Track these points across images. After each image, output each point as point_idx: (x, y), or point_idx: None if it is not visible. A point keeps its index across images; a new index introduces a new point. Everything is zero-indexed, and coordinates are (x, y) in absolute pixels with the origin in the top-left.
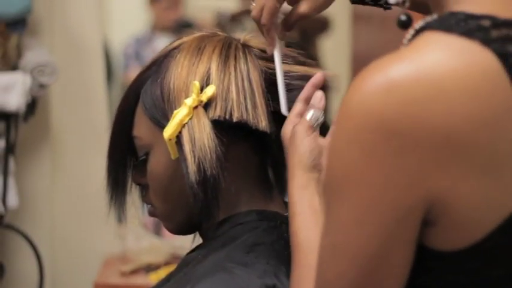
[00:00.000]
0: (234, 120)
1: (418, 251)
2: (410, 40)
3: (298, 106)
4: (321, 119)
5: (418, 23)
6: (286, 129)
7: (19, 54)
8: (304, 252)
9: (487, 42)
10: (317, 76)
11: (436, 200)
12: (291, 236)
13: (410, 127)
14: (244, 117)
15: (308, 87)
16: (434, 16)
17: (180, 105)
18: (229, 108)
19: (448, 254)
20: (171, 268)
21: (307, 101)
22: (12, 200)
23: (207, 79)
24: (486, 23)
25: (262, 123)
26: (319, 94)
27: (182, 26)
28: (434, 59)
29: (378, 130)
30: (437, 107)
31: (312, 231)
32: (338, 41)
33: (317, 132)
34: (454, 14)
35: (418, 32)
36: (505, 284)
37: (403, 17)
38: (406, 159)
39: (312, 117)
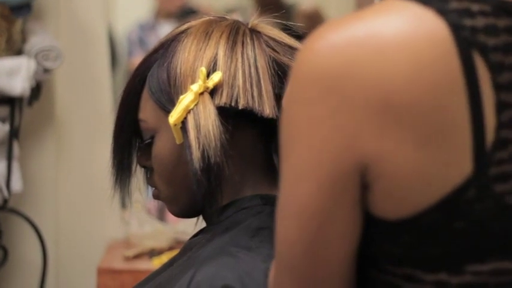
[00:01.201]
0: (240, 107)
1: (366, 219)
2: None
3: None
4: None
5: None
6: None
7: (24, 38)
8: None
9: (443, 12)
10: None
11: (370, 164)
12: None
13: (348, 86)
14: (250, 104)
15: None
16: None
17: (186, 91)
18: (235, 95)
19: (384, 222)
20: (175, 253)
21: None
22: (16, 184)
23: (213, 65)
24: None
25: (268, 110)
26: None
27: (186, 13)
28: (384, 23)
29: (317, 87)
30: (377, 70)
31: None
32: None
33: None
34: None
35: None
36: (440, 263)
37: None
38: (343, 119)
39: None
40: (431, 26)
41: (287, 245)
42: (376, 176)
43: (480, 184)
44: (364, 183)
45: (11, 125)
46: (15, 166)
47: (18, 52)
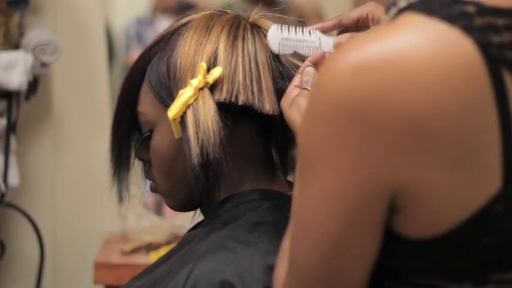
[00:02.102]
0: (240, 103)
1: (386, 233)
2: (392, 18)
3: (297, 78)
4: None
5: (401, 2)
6: (286, 101)
7: (21, 33)
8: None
9: (469, 30)
10: (316, 54)
11: (401, 188)
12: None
13: (376, 112)
14: (250, 100)
15: (307, 62)
16: None
17: (185, 85)
18: (235, 90)
19: (411, 241)
20: (172, 247)
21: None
22: (13, 178)
23: (214, 60)
24: (471, 9)
25: (267, 106)
26: (311, 69)
27: (184, 8)
28: (409, 43)
29: (344, 111)
30: (404, 94)
31: None
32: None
33: None
34: None
35: (400, 11)
36: (465, 274)
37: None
38: (371, 144)
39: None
40: (458, 45)
41: (304, 264)
42: (407, 201)
43: (508, 198)
44: (393, 206)
45: (8, 119)
46: (13, 160)
47: (16, 46)
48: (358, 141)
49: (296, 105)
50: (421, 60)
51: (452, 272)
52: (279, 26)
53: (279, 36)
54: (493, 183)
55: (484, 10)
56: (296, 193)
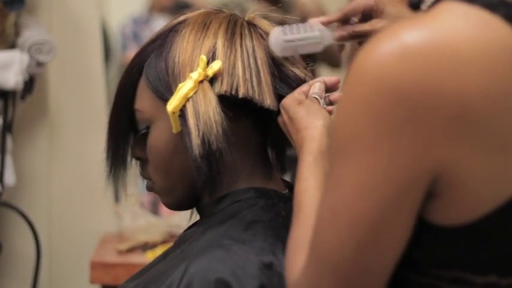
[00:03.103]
0: (240, 96)
1: (416, 224)
2: (429, 7)
3: (305, 86)
4: (324, 107)
5: None
6: (292, 100)
7: (17, 32)
8: (306, 214)
9: (509, 18)
10: (333, 79)
11: (442, 172)
12: (295, 196)
13: (423, 95)
14: (250, 93)
15: (319, 78)
16: None
17: (184, 79)
18: (235, 84)
19: (443, 229)
20: (168, 247)
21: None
22: (10, 178)
23: (212, 54)
24: None
25: (268, 100)
26: (319, 84)
27: (180, 7)
28: (453, 28)
29: (390, 95)
30: (452, 77)
31: (315, 194)
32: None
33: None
34: None
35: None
36: (491, 265)
37: None
38: (416, 127)
39: (318, 98)
40: (500, 32)
41: (334, 251)
42: (448, 184)
43: None
44: (431, 192)
45: (4, 118)
46: (8, 160)
47: (12, 46)
48: (403, 124)
49: (307, 105)
50: (467, 44)
51: (478, 264)
52: (280, 29)
53: (281, 39)
54: None
55: None
56: (325, 181)
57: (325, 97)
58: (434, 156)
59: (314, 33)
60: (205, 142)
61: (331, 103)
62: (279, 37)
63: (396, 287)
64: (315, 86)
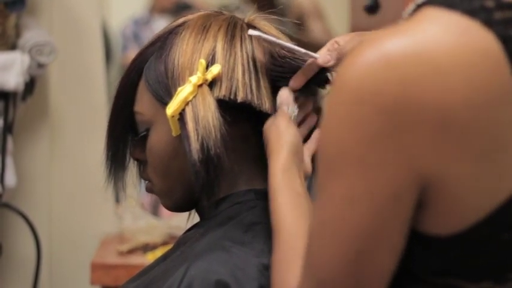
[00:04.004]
0: (239, 100)
1: (408, 234)
2: (410, 14)
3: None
4: (295, 113)
5: None
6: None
7: (17, 33)
8: (287, 232)
9: (489, 23)
10: (296, 79)
11: (430, 182)
12: (271, 214)
13: (405, 106)
14: (249, 97)
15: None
16: None
17: (183, 83)
18: (234, 88)
19: (435, 238)
20: (168, 248)
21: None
22: (10, 179)
23: (212, 58)
24: (490, 3)
25: (266, 104)
26: (285, 92)
27: (181, 8)
28: (433, 36)
29: (372, 107)
30: (433, 87)
31: (293, 211)
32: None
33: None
34: None
35: (419, 6)
36: (485, 272)
37: (370, 2)
38: (401, 138)
39: (289, 110)
40: (480, 38)
41: (326, 264)
42: (436, 194)
43: None
44: (421, 202)
45: (5, 119)
46: (9, 161)
47: (12, 47)
48: (386, 135)
49: (275, 125)
50: (447, 53)
51: (472, 271)
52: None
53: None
54: None
55: (502, 5)
56: (316, 196)
57: (295, 100)
58: (420, 166)
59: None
60: (204, 147)
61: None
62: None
63: None
64: (281, 95)
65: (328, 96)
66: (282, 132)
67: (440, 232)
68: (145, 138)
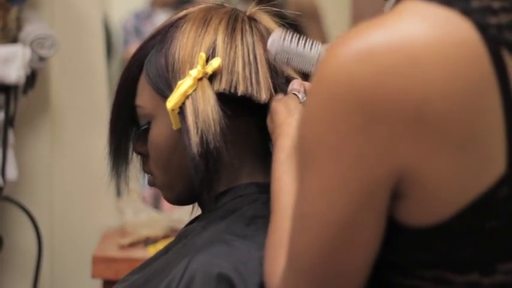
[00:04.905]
0: (239, 93)
1: (388, 225)
2: (391, 7)
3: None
4: (304, 100)
5: None
6: (274, 100)
7: (19, 26)
8: (281, 216)
9: (467, 12)
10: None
11: (406, 173)
12: (271, 198)
13: (381, 97)
14: (249, 91)
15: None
16: None
17: (184, 76)
18: (234, 81)
19: (415, 229)
20: (170, 241)
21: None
22: (11, 172)
23: (212, 51)
24: None
25: (264, 96)
26: (297, 81)
27: (182, 2)
28: (410, 29)
29: (348, 98)
30: (409, 79)
31: (289, 194)
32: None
33: None
34: None
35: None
36: (472, 264)
37: None
38: (376, 130)
39: (299, 95)
40: (458, 28)
41: (305, 257)
42: (412, 185)
43: None
44: (396, 193)
45: (6, 113)
46: (10, 154)
47: (14, 40)
48: (362, 127)
49: (284, 102)
50: (424, 45)
51: (458, 263)
52: (282, 35)
53: (279, 46)
54: (497, 167)
55: None
56: (296, 187)
57: (305, 91)
58: (396, 158)
59: (312, 53)
60: (203, 140)
61: None
62: (278, 42)
63: None
64: (294, 83)
65: (309, 87)
66: (292, 110)
67: (420, 223)
68: (146, 131)
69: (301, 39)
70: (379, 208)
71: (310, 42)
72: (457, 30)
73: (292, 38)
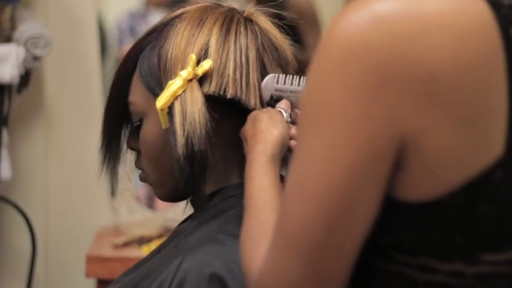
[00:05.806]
0: (228, 96)
1: (383, 204)
2: None
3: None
4: (289, 120)
5: None
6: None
7: (13, 26)
8: (259, 210)
9: None
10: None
11: (409, 141)
12: (246, 196)
13: (392, 61)
14: (238, 94)
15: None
16: None
17: (175, 76)
18: (224, 84)
19: (408, 205)
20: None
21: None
22: (5, 171)
23: (204, 52)
24: None
25: (253, 101)
26: (285, 101)
27: (177, 2)
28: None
29: (359, 60)
30: (422, 44)
31: (269, 192)
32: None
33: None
34: None
35: None
36: (457, 252)
37: None
38: (385, 93)
39: (284, 114)
40: (472, 3)
41: (302, 225)
42: (414, 153)
43: (509, 166)
44: (398, 163)
45: (0, 112)
46: (4, 154)
47: (7, 39)
48: (374, 88)
49: (270, 113)
50: (439, 14)
51: (444, 250)
52: (276, 76)
53: (273, 88)
54: (495, 147)
55: None
56: (293, 158)
57: (291, 113)
58: (401, 123)
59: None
60: (188, 143)
61: (293, 123)
62: (271, 85)
63: (363, 276)
64: (282, 102)
65: (315, 51)
66: (276, 123)
67: (415, 198)
68: (139, 128)
69: (293, 78)
70: (381, 177)
71: (302, 79)
72: (471, 4)
73: (285, 78)
